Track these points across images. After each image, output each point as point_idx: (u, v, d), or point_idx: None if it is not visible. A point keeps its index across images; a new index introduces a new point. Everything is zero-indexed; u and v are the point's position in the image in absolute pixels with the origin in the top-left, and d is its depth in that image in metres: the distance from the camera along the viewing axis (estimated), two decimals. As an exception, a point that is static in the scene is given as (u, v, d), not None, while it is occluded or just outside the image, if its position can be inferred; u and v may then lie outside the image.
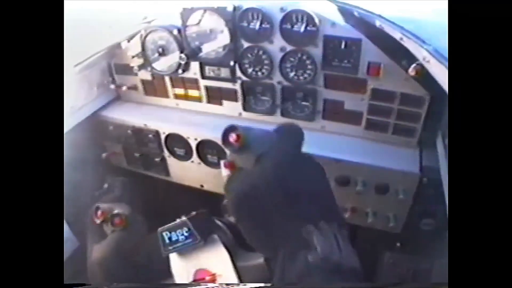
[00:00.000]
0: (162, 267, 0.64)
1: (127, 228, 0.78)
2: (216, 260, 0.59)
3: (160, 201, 1.34)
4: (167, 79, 1.16)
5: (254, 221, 0.51)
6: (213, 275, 0.58)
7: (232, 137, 0.55)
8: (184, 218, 0.61)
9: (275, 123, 1.10)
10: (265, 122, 1.08)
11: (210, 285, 0.58)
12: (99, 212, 0.80)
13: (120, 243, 0.75)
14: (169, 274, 0.65)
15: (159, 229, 0.63)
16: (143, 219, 0.82)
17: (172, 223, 0.62)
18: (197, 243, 0.59)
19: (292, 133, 0.61)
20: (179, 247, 0.61)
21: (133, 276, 0.72)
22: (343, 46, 0.89)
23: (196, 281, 0.59)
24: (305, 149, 0.68)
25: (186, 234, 0.60)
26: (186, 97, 1.17)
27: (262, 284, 0.54)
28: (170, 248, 0.62)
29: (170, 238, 0.61)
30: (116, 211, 0.79)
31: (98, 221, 0.80)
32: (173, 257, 0.64)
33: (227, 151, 0.58)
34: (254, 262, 0.56)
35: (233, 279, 0.57)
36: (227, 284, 0.58)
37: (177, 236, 0.61)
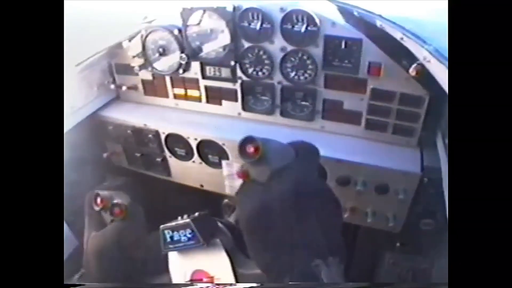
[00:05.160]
0: (159, 264, 0.64)
1: (127, 219, 0.75)
2: (216, 263, 0.59)
3: (160, 201, 1.34)
4: (167, 79, 1.16)
5: (264, 243, 0.50)
6: (212, 277, 0.58)
7: (250, 149, 0.53)
8: (187, 219, 0.61)
9: (275, 123, 1.09)
10: (265, 122, 1.08)
11: (205, 285, 0.58)
12: (98, 199, 0.78)
13: (120, 235, 0.73)
14: (165, 272, 0.64)
15: (161, 226, 0.62)
16: (143, 210, 0.80)
17: (175, 222, 0.62)
18: (200, 245, 0.59)
19: (310, 153, 0.58)
20: (180, 247, 0.61)
21: (129, 270, 0.71)
22: (343, 46, 0.88)
23: (193, 281, 0.59)
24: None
25: (189, 235, 0.60)
26: (185, 97, 1.17)
27: (256, 284, 0.54)
28: (171, 246, 0.62)
29: (172, 237, 0.61)
30: (116, 201, 0.77)
31: (97, 208, 0.77)
32: (172, 256, 0.64)
33: (243, 160, 0.55)
34: (254, 270, 0.56)
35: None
36: (222, 284, 0.58)
37: (180, 236, 0.60)
